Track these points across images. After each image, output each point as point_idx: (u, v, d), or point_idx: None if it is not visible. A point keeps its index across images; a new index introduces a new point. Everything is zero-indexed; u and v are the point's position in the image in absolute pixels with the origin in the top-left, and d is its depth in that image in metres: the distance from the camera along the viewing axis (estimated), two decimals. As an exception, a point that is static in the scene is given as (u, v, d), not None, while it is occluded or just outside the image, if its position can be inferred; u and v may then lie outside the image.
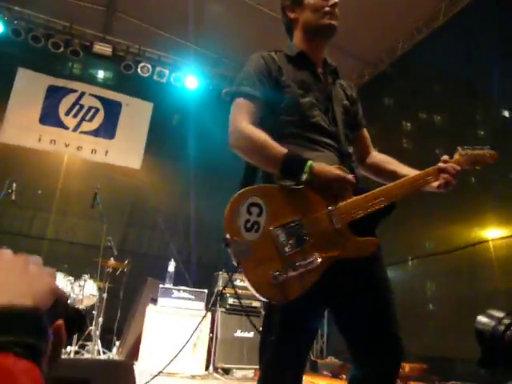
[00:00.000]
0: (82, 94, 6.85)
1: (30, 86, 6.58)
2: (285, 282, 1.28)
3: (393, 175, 1.58)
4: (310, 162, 1.34)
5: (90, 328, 4.70)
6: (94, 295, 4.88)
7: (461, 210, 4.71)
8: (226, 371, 4.64)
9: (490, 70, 4.72)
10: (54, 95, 6.71)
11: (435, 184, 1.51)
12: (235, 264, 1.32)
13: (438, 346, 4.72)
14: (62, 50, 6.24)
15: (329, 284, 1.33)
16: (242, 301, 4.69)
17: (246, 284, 1.32)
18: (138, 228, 6.85)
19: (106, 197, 5.56)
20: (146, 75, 6.50)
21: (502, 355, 0.75)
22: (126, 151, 6.88)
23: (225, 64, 6.72)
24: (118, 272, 5.03)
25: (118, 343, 4.90)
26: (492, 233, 4.48)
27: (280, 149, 1.38)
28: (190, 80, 6.72)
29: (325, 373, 5.34)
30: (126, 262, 5.01)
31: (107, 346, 4.85)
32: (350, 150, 1.60)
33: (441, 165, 1.53)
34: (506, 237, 4.29)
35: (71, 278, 4.86)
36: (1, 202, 4.63)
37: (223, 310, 4.71)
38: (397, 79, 6.45)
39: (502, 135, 4.67)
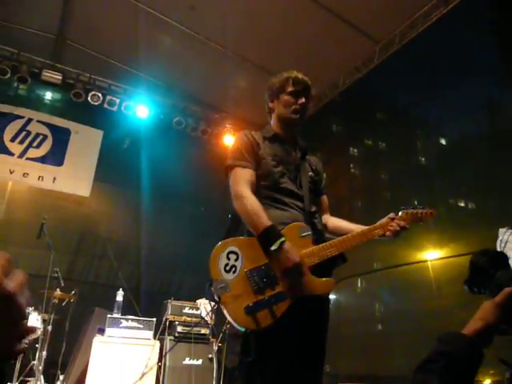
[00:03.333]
0: (29, 120, 6.74)
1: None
2: (256, 313, 1.64)
3: (339, 230, 2.03)
4: (281, 240, 1.69)
5: (33, 363, 4.55)
6: (38, 328, 4.74)
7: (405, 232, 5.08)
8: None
9: (425, 100, 5.19)
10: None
11: (391, 230, 1.91)
12: (216, 299, 1.70)
13: (383, 364, 4.94)
14: (8, 76, 6.16)
15: (294, 315, 1.68)
16: (192, 329, 4.73)
17: (226, 315, 1.69)
18: (87, 257, 6.71)
19: (54, 225, 5.46)
20: (97, 103, 6.53)
21: (480, 283, 1.06)
22: (74, 178, 6.79)
23: (175, 94, 6.87)
24: (64, 303, 4.92)
25: (62, 377, 4.75)
26: (431, 254, 4.83)
27: (264, 220, 1.74)
28: (140, 109, 6.81)
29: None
30: (73, 292, 4.92)
31: (51, 381, 4.70)
32: (313, 209, 1.98)
33: (384, 221, 1.94)
34: (444, 257, 4.65)
35: (13, 311, 4.70)
36: None
37: (172, 338, 4.71)
38: (341, 109, 6.87)
39: (441, 162, 5.12)
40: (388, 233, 1.88)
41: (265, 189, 1.94)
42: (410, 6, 5.23)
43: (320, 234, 1.92)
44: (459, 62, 4.72)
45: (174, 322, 4.79)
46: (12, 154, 6.52)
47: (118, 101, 6.69)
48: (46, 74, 6.40)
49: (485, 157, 4.43)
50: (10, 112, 6.61)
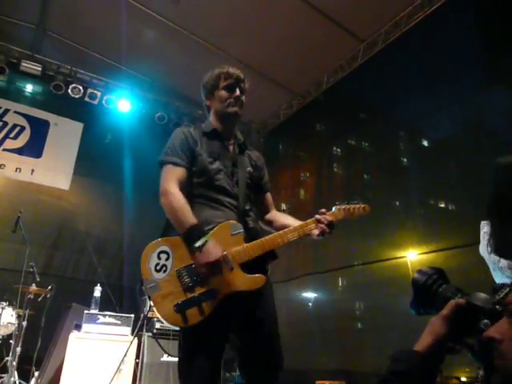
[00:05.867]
0: (7, 110, 6.59)
1: None
2: (185, 310, 1.67)
3: (282, 226, 1.98)
4: (204, 239, 1.71)
5: (6, 359, 4.46)
6: (12, 323, 4.64)
7: (387, 229, 5.17)
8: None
9: (409, 101, 5.24)
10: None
11: (315, 232, 1.90)
12: (148, 298, 1.73)
13: (356, 360, 5.00)
14: (-13, 66, 6.01)
15: (225, 312, 1.72)
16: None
17: (156, 313, 1.71)
18: (65, 251, 6.59)
19: (31, 218, 5.36)
20: (77, 96, 6.41)
21: (425, 302, 1.03)
22: (53, 171, 6.66)
23: (157, 88, 6.80)
24: (40, 298, 4.83)
25: (36, 374, 4.67)
26: (410, 251, 4.89)
27: (189, 218, 1.77)
28: (122, 103, 6.71)
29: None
30: (49, 288, 4.83)
31: (25, 377, 4.61)
32: (248, 207, 1.98)
33: (317, 216, 1.93)
34: (422, 253, 4.72)
35: (-13, 306, 4.60)
36: None
37: (150, 334, 4.67)
38: (325, 107, 6.89)
39: (422, 163, 5.18)
40: (319, 230, 1.89)
41: (199, 186, 1.94)
42: (394, 6, 5.28)
43: (253, 232, 1.92)
44: (442, 62, 4.79)
45: (153, 318, 4.74)
46: (-8, 146, 6.38)
47: (99, 94, 6.58)
48: (25, 64, 6.24)
49: (463, 156, 4.50)
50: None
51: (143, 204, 6.64)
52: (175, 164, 1.92)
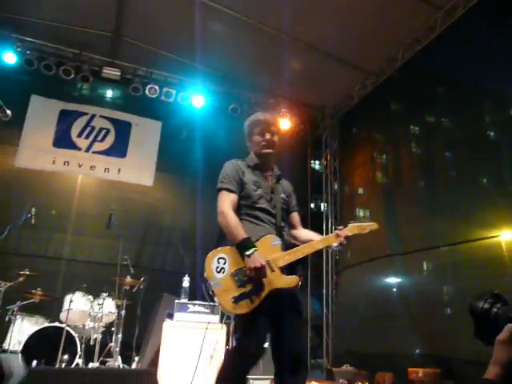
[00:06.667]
0: (93, 116, 7.09)
1: (42, 111, 6.83)
2: (239, 301, 2.17)
3: (306, 240, 2.50)
4: (253, 249, 2.22)
5: (110, 344, 4.85)
6: (112, 312, 5.03)
7: (476, 207, 4.83)
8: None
9: (495, 68, 4.79)
10: (66, 119, 6.95)
11: (335, 244, 2.44)
12: (211, 293, 2.22)
13: (448, 346, 4.74)
14: (72, 76, 6.50)
15: (269, 305, 2.20)
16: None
17: (218, 304, 2.26)
18: (153, 245, 6.99)
19: (120, 215, 5.73)
20: (154, 96, 6.71)
21: (489, 328, 0.95)
22: (138, 169, 7.07)
23: (229, 81, 6.89)
24: (134, 289, 5.18)
25: (137, 359, 5.03)
26: (503, 230, 4.52)
27: (242, 233, 2.28)
28: (196, 99, 6.91)
29: (341, 381, 5.40)
30: (142, 279, 5.16)
31: (127, 362, 4.99)
32: (282, 224, 2.52)
33: (337, 232, 2.46)
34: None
35: (90, 297, 5.02)
36: (31, 225, 4.86)
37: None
38: (401, 85, 6.54)
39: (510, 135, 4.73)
40: (338, 242, 2.41)
41: (246, 207, 2.46)
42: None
43: (288, 243, 2.47)
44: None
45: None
46: (79, 149, 6.91)
47: (174, 92, 6.84)
48: (106, 71, 6.67)
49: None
50: (75, 109, 6.98)
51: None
52: (229, 190, 2.45)
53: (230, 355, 2.33)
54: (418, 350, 5.28)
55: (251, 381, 4.69)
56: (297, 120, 7.64)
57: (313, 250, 2.40)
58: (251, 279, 2.20)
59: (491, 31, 4.75)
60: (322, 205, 8.05)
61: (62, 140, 6.86)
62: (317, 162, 8.58)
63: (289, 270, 2.32)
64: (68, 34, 6.24)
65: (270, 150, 2.58)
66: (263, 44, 6.09)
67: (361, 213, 7.37)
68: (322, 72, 6.61)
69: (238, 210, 2.44)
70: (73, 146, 6.90)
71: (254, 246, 2.24)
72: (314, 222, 7.70)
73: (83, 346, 4.76)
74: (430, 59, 5.80)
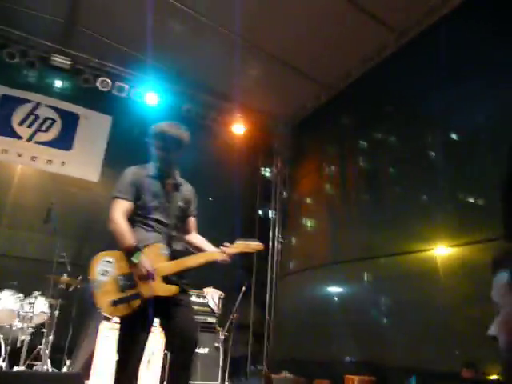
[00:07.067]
0: (38, 104, 6.71)
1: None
2: (119, 305, 2.32)
3: (197, 248, 2.71)
4: (139, 254, 2.38)
5: (39, 347, 4.58)
6: (44, 312, 4.77)
7: (414, 222, 5.06)
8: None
9: (436, 93, 5.07)
10: (7, 105, 6.53)
11: (219, 258, 2.56)
12: (92, 294, 2.36)
13: (383, 354, 4.92)
14: (17, 60, 6.12)
15: (148, 307, 2.35)
16: (198, 317, 4.72)
17: (96, 305, 2.35)
18: (94, 242, 6.70)
19: (62, 210, 5.44)
20: (106, 89, 6.48)
21: None
22: (83, 163, 6.77)
23: (185, 82, 6.80)
24: (71, 288, 4.93)
25: (68, 362, 4.78)
26: (438, 244, 4.77)
27: (129, 239, 2.42)
28: (149, 96, 6.75)
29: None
30: (80, 277, 4.93)
31: (57, 365, 4.73)
32: (174, 233, 2.62)
33: (223, 248, 2.59)
34: (451, 246, 4.59)
35: (21, 295, 4.73)
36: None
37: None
38: (352, 99, 6.75)
39: (451, 156, 5.00)
40: (222, 258, 2.55)
41: (140, 216, 2.57)
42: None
43: (176, 253, 2.56)
44: (474, 52, 4.61)
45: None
46: (20, 138, 6.52)
47: (127, 87, 6.65)
48: (55, 58, 6.34)
49: (494, 150, 4.31)
50: (17, 96, 6.58)
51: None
52: (123, 199, 2.55)
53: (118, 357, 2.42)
54: (354, 358, 5.43)
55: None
56: (250, 126, 7.66)
57: (196, 263, 2.54)
58: (134, 284, 2.37)
59: (438, 56, 5.03)
60: (270, 212, 8.11)
61: (2, 127, 6.44)
62: (267, 170, 8.64)
63: (175, 278, 2.47)
64: (16, 15, 5.88)
65: (168, 164, 2.68)
66: (222, 47, 6.08)
67: (308, 222, 7.50)
68: (278, 80, 6.69)
69: (133, 216, 2.56)
70: (13, 134, 6.49)
71: (140, 253, 2.39)
72: (262, 228, 7.76)
73: (8, 348, 4.45)
74: (380, 77, 6.04)
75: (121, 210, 2.52)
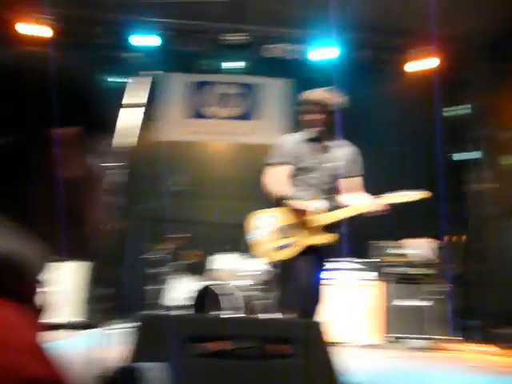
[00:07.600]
0: (221, 83, 7.19)
1: (173, 85, 7.08)
2: (281, 250, 2.71)
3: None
4: (294, 201, 2.75)
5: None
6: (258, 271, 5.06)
7: None
8: (401, 341, 4.54)
9: None
10: (195, 90, 7.16)
11: (374, 209, 2.70)
12: (254, 242, 2.79)
13: None
14: (196, 48, 6.60)
15: (308, 251, 2.70)
16: (411, 269, 4.53)
17: (256, 253, 2.86)
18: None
19: (255, 178, 5.72)
20: (282, 55, 6.55)
21: None
22: (271, 131, 6.93)
23: (362, 29, 6.38)
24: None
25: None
26: None
27: (285, 192, 2.80)
28: (327, 51, 6.58)
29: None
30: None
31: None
32: (329, 193, 2.85)
33: (376, 199, 2.74)
34: None
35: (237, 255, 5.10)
36: (176, 193, 5.12)
37: (393, 278, 4.58)
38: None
39: None
40: (375, 209, 2.68)
41: (297, 178, 2.84)
42: None
43: (332, 207, 2.77)
44: None
45: (392, 262, 4.63)
46: (208, 117, 7.14)
47: (303, 48, 6.61)
48: (230, 37, 6.61)
49: None
50: (203, 80, 7.16)
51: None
52: (279, 164, 2.87)
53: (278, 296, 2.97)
54: None
55: (411, 340, 4.49)
56: (442, 58, 6.80)
57: (349, 214, 2.73)
58: (293, 234, 2.72)
59: None
60: (466, 154, 7.24)
61: (195, 111, 7.11)
62: (452, 107, 7.66)
63: (329, 228, 2.73)
64: (186, 5, 6.19)
65: (317, 129, 2.88)
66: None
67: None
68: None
69: (293, 177, 2.85)
70: (205, 116, 7.12)
71: (290, 200, 2.74)
72: (459, 173, 7.03)
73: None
74: None
75: (278, 175, 2.84)
